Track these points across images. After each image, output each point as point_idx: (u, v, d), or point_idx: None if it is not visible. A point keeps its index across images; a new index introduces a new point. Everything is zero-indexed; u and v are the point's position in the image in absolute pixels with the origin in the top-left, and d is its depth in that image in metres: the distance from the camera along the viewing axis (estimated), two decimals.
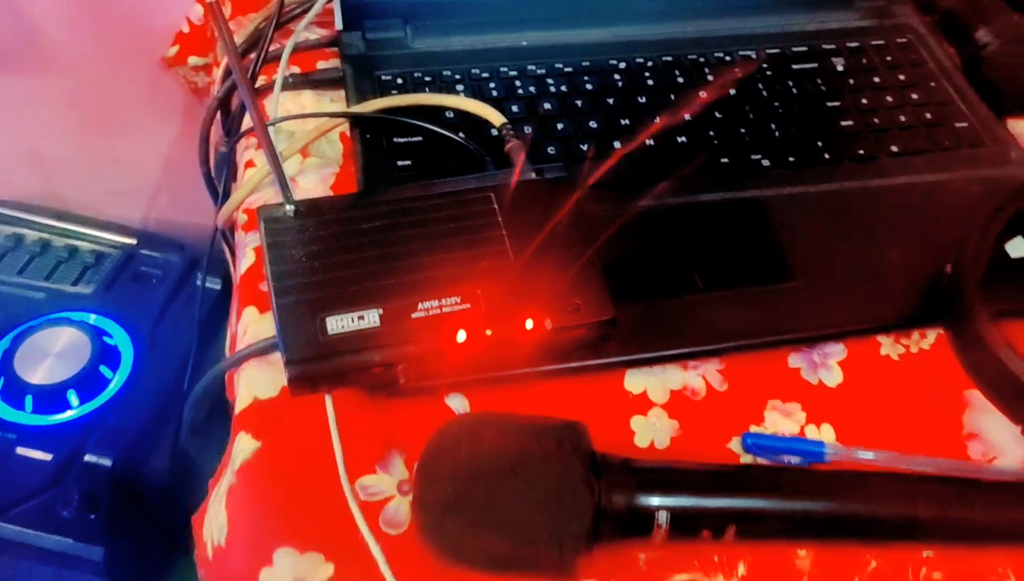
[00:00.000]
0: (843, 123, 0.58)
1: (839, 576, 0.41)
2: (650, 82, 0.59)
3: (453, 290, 0.43)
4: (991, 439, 0.46)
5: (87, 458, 0.62)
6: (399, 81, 0.58)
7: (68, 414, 0.67)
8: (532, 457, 0.37)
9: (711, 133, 0.57)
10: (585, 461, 0.38)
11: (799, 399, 0.47)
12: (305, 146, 0.56)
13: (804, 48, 0.62)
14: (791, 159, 0.56)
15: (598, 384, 0.47)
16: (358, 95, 0.57)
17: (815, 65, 0.61)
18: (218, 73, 0.67)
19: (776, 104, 0.59)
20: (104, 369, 0.68)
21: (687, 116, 0.57)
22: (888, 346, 0.49)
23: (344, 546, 0.40)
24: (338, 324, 0.42)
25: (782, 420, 0.46)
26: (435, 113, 0.56)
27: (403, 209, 0.46)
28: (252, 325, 0.49)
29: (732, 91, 0.59)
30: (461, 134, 0.54)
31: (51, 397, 0.67)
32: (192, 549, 0.47)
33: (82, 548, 0.63)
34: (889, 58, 0.62)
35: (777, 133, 0.57)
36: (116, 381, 0.68)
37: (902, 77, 0.61)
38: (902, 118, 0.59)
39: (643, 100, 0.58)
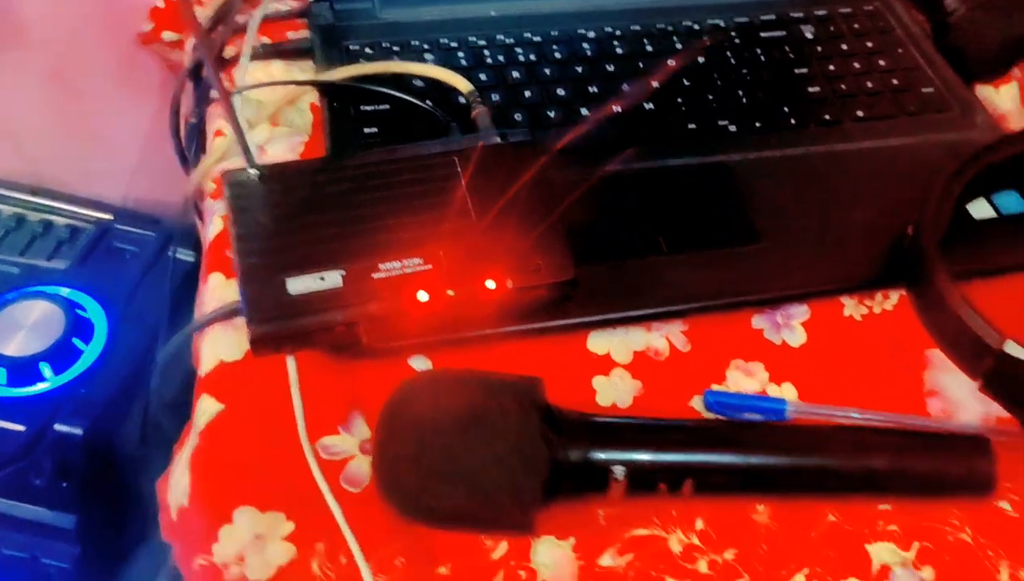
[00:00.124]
0: (810, 89, 0.58)
1: (797, 530, 0.41)
2: (619, 51, 0.59)
3: (415, 251, 0.43)
4: (951, 396, 0.46)
5: (58, 428, 0.62)
6: (368, 51, 0.58)
7: (41, 386, 0.67)
8: (489, 411, 0.38)
9: (679, 100, 0.57)
10: (541, 415, 0.38)
11: (762, 359, 0.47)
12: (274, 115, 0.56)
13: (772, 16, 0.62)
14: (758, 124, 0.56)
15: (561, 345, 0.47)
16: (327, 65, 0.57)
17: (783, 33, 0.62)
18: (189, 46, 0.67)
19: (744, 71, 0.59)
20: (77, 342, 0.69)
21: (655, 84, 0.57)
22: (851, 307, 0.49)
23: (305, 504, 0.40)
24: (300, 285, 0.42)
25: (744, 379, 0.46)
26: (403, 82, 0.56)
27: (367, 173, 0.46)
28: (218, 290, 0.49)
29: (701, 59, 0.59)
30: (428, 102, 0.54)
31: (24, 369, 0.67)
32: None
33: (55, 516, 0.63)
34: (857, 25, 0.62)
35: (744, 100, 0.57)
36: (89, 354, 0.68)
37: (870, 44, 0.61)
38: (869, 84, 0.59)
39: (611, 68, 0.58)
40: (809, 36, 0.62)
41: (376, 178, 0.46)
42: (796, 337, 0.48)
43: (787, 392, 0.46)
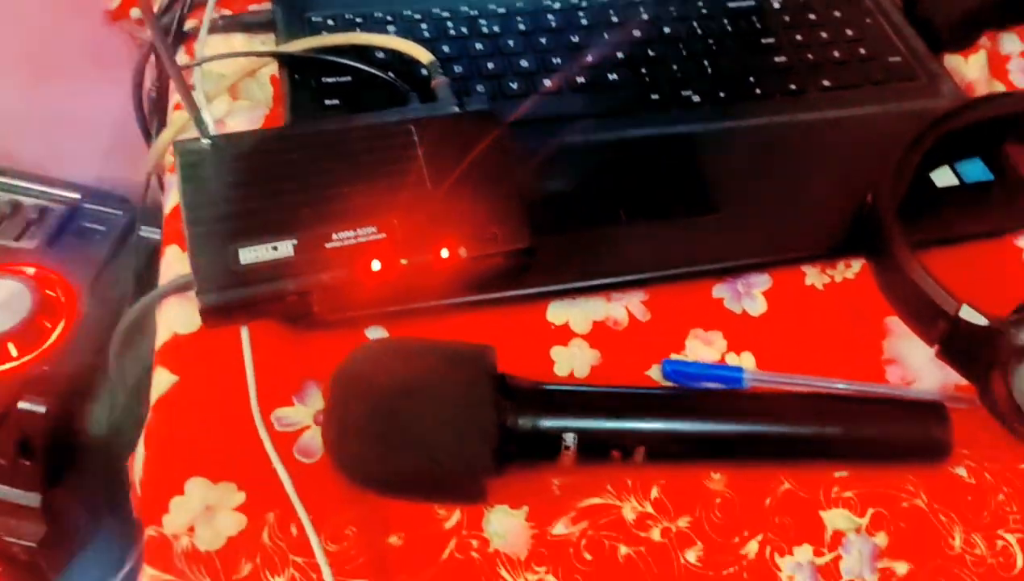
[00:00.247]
0: (776, 59, 0.58)
1: (751, 498, 0.41)
2: (583, 22, 0.59)
3: (369, 220, 0.43)
4: (909, 364, 0.46)
5: (21, 405, 0.62)
6: (330, 23, 0.57)
7: (7, 365, 0.67)
8: (438, 378, 0.37)
9: (643, 71, 0.56)
10: (491, 381, 0.38)
11: (721, 328, 0.47)
12: (235, 89, 0.56)
13: None
14: (722, 95, 0.55)
15: (520, 315, 0.47)
16: (288, 36, 0.56)
17: (751, 3, 0.61)
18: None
19: (710, 41, 0.58)
20: (45, 321, 0.68)
21: (619, 54, 0.57)
22: (813, 276, 0.49)
23: (257, 475, 0.40)
24: (251, 254, 0.42)
25: (703, 348, 0.46)
26: (365, 53, 0.55)
27: (322, 142, 0.46)
28: (175, 263, 0.48)
29: (666, 29, 0.59)
30: (391, 73, 0.53)
31: None
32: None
33: (20, 495, 0.63)
34: None
35: (709, 70, 0.57)
36: (56, 333, 0.68)
37: (837, 14, 0.61)
38: (836, 53, 0.58)
39: (576, 39, 0.58)
40: (776, 5, 0.61)
41: (331, 147, 0.45)
42: (756, 306, 0.48)
43: (746, 361, 0.46)
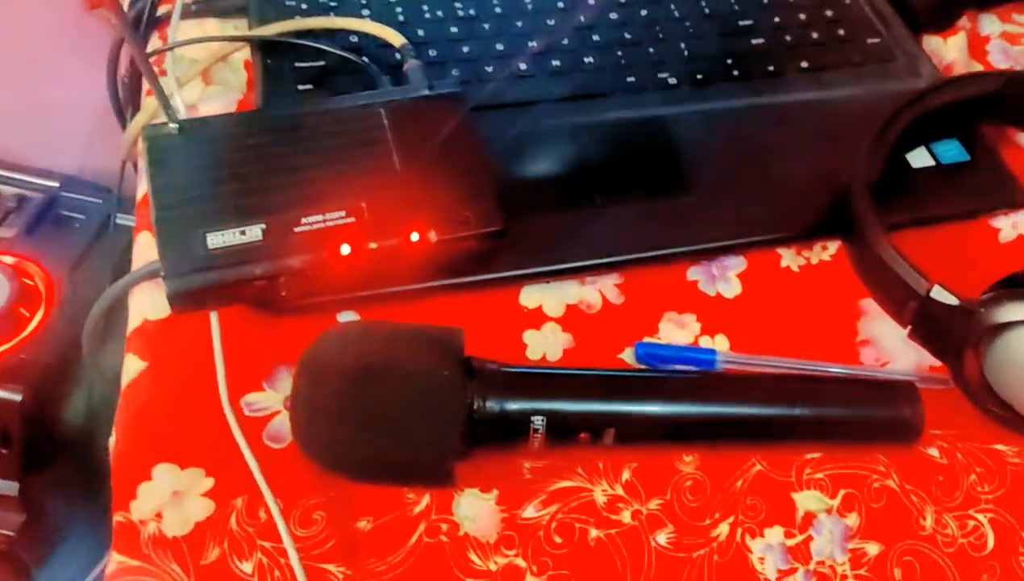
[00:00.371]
0: (754, 41, 0.57)
1: (723, 479, 0.41)
2: (560, 5, 0.58)
3: (338, 204, 0.43)
4: (884, 345, 0.46)
5: None
6: (304, 7, 0.57)
7: None
8: (404, 360, 0.37)
9: (619, 53, 0.56)
10: (458, 364, 0.37)
11: (695, 310, 0.46)
12: (208, 74, 0.55)
13: None
14: (699, 77, 0.55)
15: (494, 299, 0.46)
16: (262, 21, 0.56)
17: None
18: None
19: (687, 23, 0.58)
20: (23, 310, 0.68)
21: (595, 37, 0.56)
22: (789, 258, 0.49)
23: (226, 461, 0.40)
24: (219, 239, 0.41)
25: (676, 331, 0.46)
26: (339, 37, 0.55)
27: (291, 125, 0.45)
28: (147, 249, 0.48)
29: (643, 12, 0.58)
30: (365, 58, 0.53)
31: None
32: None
33: None
34: None
35: (686, 52, 0.56)
36: (35, 322, 0.68)
37: None
38: (814, 35, 0.58)
39: (552, 22, 0.57)
40: None
41: (300, 131, 0.45)
42: (731, 288, 0.48)
43: (719, 343, 0.45)
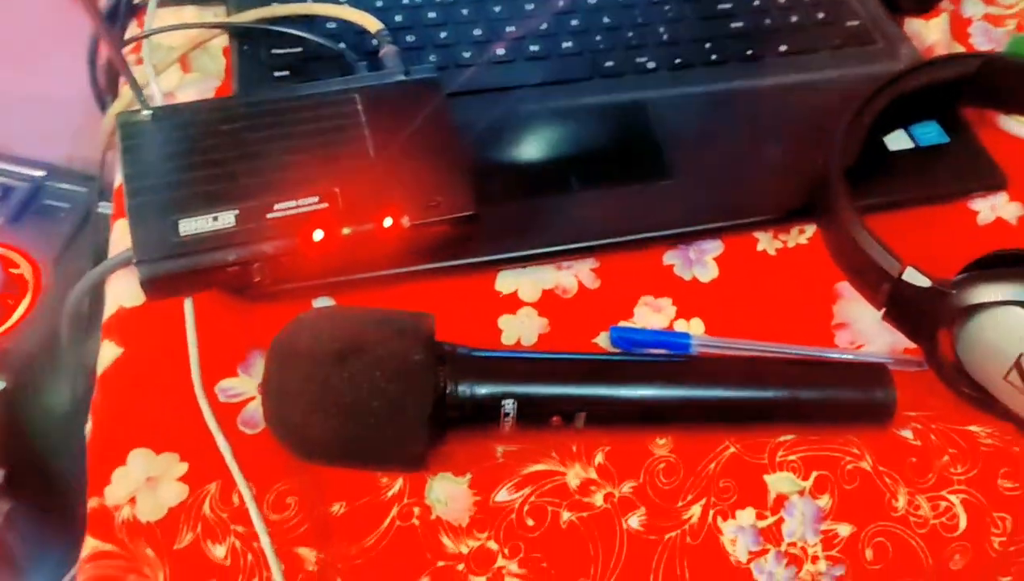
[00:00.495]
0: (732, 25, 0.57)
1: (696, 462, 0.41)
2: None
3: (311, 190, 0.43)
4: (859, 327, 0.46)
5: None
6: None
7: None
8: (374, 345, 0.37)
9: (597, 38, 0.56)
10: (428, 349, 0.37)
11: (670, 294, 0.46)
12: (186, 62, 0.55)
13: None
14: (677, 61, 0.55)
15: (470, 284, 0.46)
16: (239, 7, 0.56)
17: None
18: None
19: (666, 7, 0.58)
20: (8, 299, 0.68)
21: (573, 22, 0.56)
22: (766, 242, 0.49)
23: (200, 446, 0.40)
24: (192, 225, 0.41)
25: (652, 315, 0.46)
26: (316, 23, 0.55)
27: (264, 111, 0.45)
28: (123, 237, 0.48)
29: None
30: (342, 44, 0.53)
31: None
32: None
33: None
34: None
35: (665, 36, 0.56)
36: (20, 310, 0.68)
37: None
38: (793, 18, 0.58)
39: (530, 7, 0.57)
40: None
41: (274, 116, 0.45)
42: (707, 272, 0.48)
43: (695, 327, 0.45)
